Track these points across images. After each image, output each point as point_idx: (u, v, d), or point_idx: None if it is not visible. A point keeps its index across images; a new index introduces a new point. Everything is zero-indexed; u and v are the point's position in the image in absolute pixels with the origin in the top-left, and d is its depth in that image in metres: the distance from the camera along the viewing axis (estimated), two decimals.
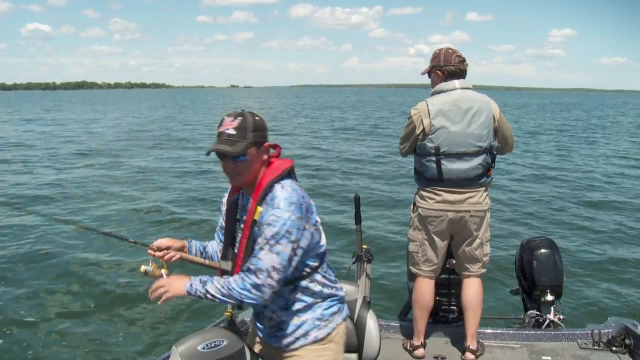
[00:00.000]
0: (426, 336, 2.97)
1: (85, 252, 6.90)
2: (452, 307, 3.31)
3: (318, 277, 1.81)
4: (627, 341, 2.82)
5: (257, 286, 1.63)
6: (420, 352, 2.91)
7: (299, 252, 1.69)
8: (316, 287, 1.80)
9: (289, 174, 1.78)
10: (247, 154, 1.69)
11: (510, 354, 2.90)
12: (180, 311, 5.09)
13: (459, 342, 2.97)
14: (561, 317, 3.38)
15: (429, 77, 2.91)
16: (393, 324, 3.22)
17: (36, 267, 6.41)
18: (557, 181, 12.32)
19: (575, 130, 28.41)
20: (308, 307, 1.80)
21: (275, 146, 1.80)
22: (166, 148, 18.61)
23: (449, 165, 2.74)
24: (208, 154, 1.68)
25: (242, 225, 1.80)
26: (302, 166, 14.49)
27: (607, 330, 2.95)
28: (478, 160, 2.76)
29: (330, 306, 1.84)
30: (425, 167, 2.80)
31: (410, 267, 3.02)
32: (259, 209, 1.69)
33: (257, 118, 1.74)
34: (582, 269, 6.14)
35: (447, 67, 2.81)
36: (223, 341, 1.71)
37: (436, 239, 2.85)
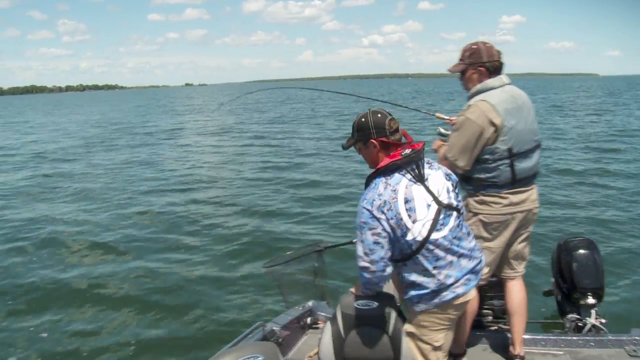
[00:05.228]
0: (466, 344, 2.85)
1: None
2: (486, 311, 3.19)
3: None
4: None
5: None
6: None
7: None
8: None
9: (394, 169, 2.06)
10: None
11: None
12: (208, 322, 5.03)
13: (499, 348, 2.85)
14: (603, 320, 3.23)
15: (463, 75, 2.72)
16: None
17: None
18: (583, 175, 11.91)
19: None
20: None
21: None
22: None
23: (521, 165, 2.60)
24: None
25: None
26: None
27: None
28: (538, 154, 2.71)
29: None
30: (495, 172, 2.58)
31: None
32: None
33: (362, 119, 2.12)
34: (618, 268, 5.87)
35: (492, 63, 2.63)
36: (258, 357, 1.63)
37: (499, 243, 2.71)
